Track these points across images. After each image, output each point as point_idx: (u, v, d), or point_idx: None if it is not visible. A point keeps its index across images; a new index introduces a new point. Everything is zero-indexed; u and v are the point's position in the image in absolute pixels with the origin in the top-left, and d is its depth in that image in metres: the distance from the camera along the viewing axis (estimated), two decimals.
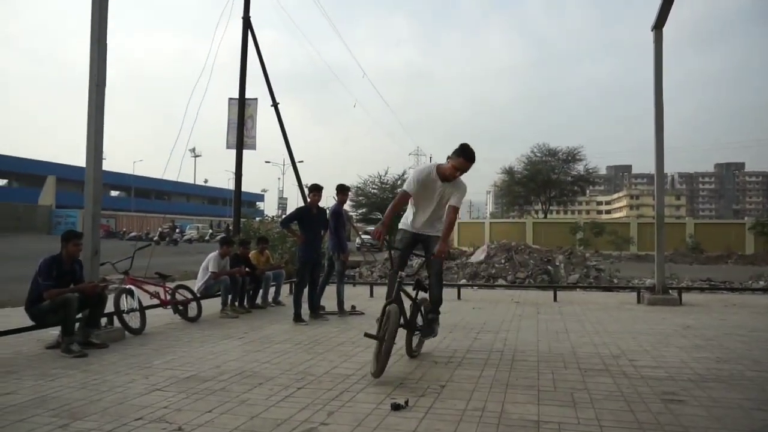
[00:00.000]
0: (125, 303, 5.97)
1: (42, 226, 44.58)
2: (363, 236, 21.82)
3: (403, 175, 41.70)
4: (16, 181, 56.22)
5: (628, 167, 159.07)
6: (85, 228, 5.86)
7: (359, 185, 40.36)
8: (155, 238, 29.67)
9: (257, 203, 76.66)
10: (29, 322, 5.32)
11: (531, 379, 4.21)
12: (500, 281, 13.07)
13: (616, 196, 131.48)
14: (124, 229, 46.74)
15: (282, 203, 61.03)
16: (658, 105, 9.16)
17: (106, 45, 5.81)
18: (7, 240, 31.99)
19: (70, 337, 5.01)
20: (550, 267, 13.67)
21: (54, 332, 5.33)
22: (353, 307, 7.90)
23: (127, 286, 6.21)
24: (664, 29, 9.14)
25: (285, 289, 9.36)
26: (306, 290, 7.29)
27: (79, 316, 5.30)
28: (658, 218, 9.37)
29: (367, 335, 4.22)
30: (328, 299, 7.88)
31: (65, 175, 51.22)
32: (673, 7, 8.67)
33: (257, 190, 78.22)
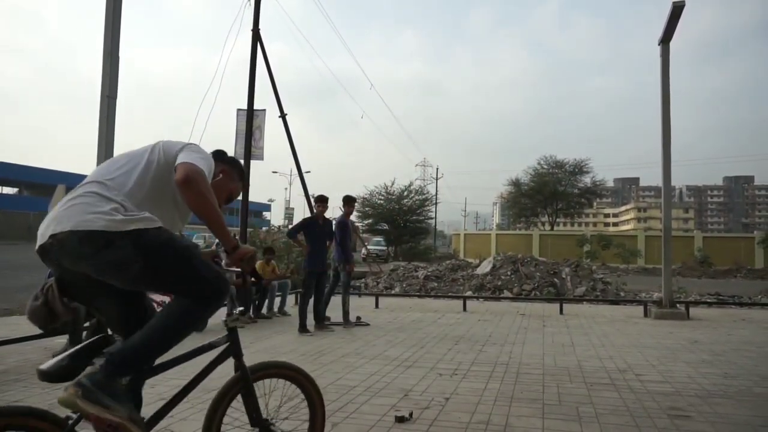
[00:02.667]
0: None
1: None
2: (369, 247, 21.84)
3: (409, 186, 41.78)
4: (27, 189, 56.77)
5: (636, 180, 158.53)
6: None
7: (366, 196, 40.40)
8: None
9: (264, 213, 76.88)
10: (37, 331, 5.36)
11: (536, 392, 4.19)
12: (506, 293, 13.02)
13: (623, 208, 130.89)
14: None
15: (288, 213, 61.15)
16: (665, 118, 9.17)
17: (118, 58, 5.91)
18: (17, 248, 32.27)
19: None
20: (556, 279, 13.62)
21: (61, 341, 5.37)
22: (358, 318, 7.90)
23: None
24: (672, 43, 9.18)
25: (290, 299, 9.37)
26: (311, 301, 7.31)
27: (87, 324, 5.34)
28: (666, 231, 9.33)
29: None
30: (334, 310, 7.89)
31: (75, 184, 51.38)
32: (681, 21, 8.71)
33: (264, 200, 78.50)
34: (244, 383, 2.35)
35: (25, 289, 10.81)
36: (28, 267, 17.70)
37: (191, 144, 2.21)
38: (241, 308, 2.44)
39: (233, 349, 2.35)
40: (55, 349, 5.39)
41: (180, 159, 2.05)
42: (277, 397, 2.62)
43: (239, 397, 2.36)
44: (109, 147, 5.86)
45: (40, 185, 53.61)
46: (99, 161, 5.85)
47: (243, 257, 2.19)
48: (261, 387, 2.50)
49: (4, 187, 56.47)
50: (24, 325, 6.40)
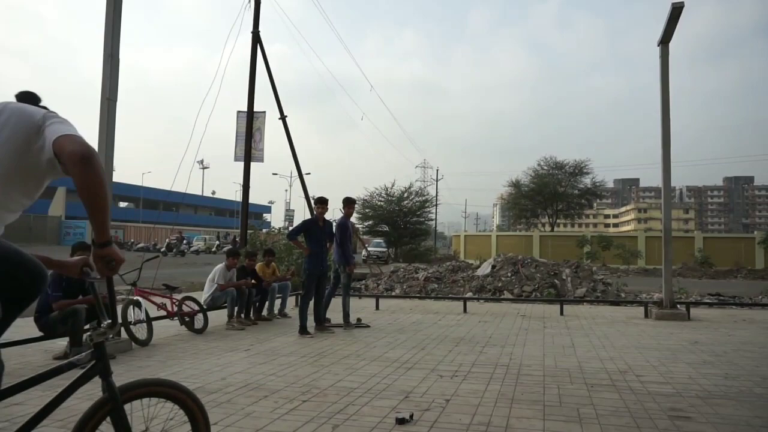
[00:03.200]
0: (132, 314, 6.01)
1: (51, 237, 45.02)
2: (369, 249, 21.84)
3: (409, 187, 41.78)
4: None
5: (636, 180, 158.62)
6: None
7: (366, 197, 40.43)
8: (163, 249, 29.77)
9: (264, 215, 76.87)
10: (38, 333, 5.37)
11: (536, 394, 4.18)
12: (506, 294, 13.02)
13: (623, 209, 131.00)
14: (132, 240, 47.01)
15: (289, 215, 61.26)
16: (664, 119, 9.18)
17: (118, 60, 5.92)
18: None
19: (78, 348, 5.04)
20: (556, 280, 13.60)
21: (62, 343, 5.37)
22: (359, 319, 7.89)
23: (135, 298, 6.25)
24: (672, 44, 9.19)
25: (291, 301, 9.37)
26: (312, 302, 7.31)
27: (87, 327, 5.34)
28: (666, 232, 9.33)
29: None
30: (334, 312, 7.89)
31: (75, 186, 51.74)
32: (680, 22, 8.73)
33: (264, 202, 78.51)
34: (112, 405, 2.03)
35: None
36: None
37: (52, 111, 1.92)
38: (109, 321, 2.07)
39: (99, 368, 2.03)
40: (55, 351, 5.39)
41: (61, 131, 1.79)
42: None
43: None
44: (109, 148, 5.86)
45: None
46: None
47: (109, 257, 1.83)
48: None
49: None
50: (25, 327, 6.39)
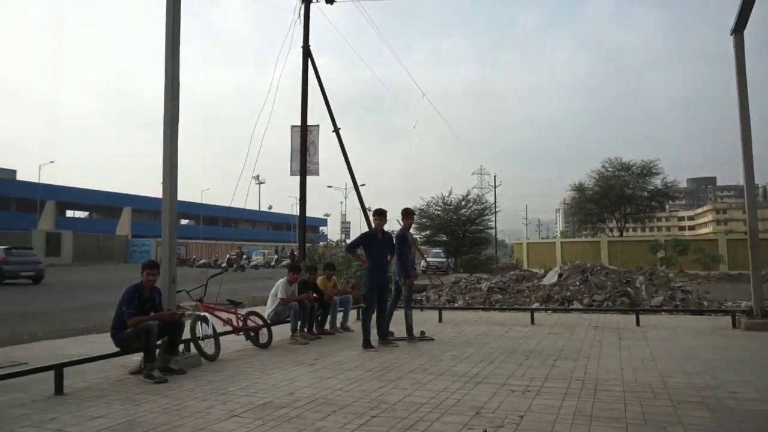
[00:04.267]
0: (200, 330, 6.15)
1: (119, 255, 47.85)
2: (428, 259, 21.62)
3: (467, 195, 41.22)
4: (96, 212, 60.70)
5: (712, 179, 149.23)
6: (162, 257, 6.14)
7: (422, 207, 40.20)
8: (224, 265, 30.69)
9: (320, 228, 78.15)
10: (115, 348, 5.59)
11: (617, 410, 3.90)
12: (576, 304, 12.44)
13: (699, 210, 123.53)
14: (194, 257, 48.67)
15: (345, 227, 61.90)
16: (743, 112, 8.52)
17: (179, 82, 6.14)
18: (91, 269, 34.42)
19: (152, 363, 5.20)
20: (629, 289, 12.87)
21: (136, 358, 5.57)
22: (422, 332, 7.74)
23: (202, 313, 6.41)
24: (746, 32, 8.55)
25: (352, 314, 9.35)
26: (374, 316, 7.23)
27: (159, 342, 5.51)
28: (752, 233, 8.61)
29: None
30: (396, 324, 7.79)
31: (139, 205, 54.98)
32: (756, 5, 8.10)
33: (320, 215, 79.77)
34: None
35: (98, 308, 11.39)
36: (100, 287, 18.77)
37: None
38: None
39: None
40: (131, 366, 5.59)
41: None
42: None
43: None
44: (173, 168, 6.06)
45: (108, 208, 57.26)
46: (164, 182, 6.06)
47: None
48: None
49: (76, 211, 60.47)
50: (102, 343, 6.70)
